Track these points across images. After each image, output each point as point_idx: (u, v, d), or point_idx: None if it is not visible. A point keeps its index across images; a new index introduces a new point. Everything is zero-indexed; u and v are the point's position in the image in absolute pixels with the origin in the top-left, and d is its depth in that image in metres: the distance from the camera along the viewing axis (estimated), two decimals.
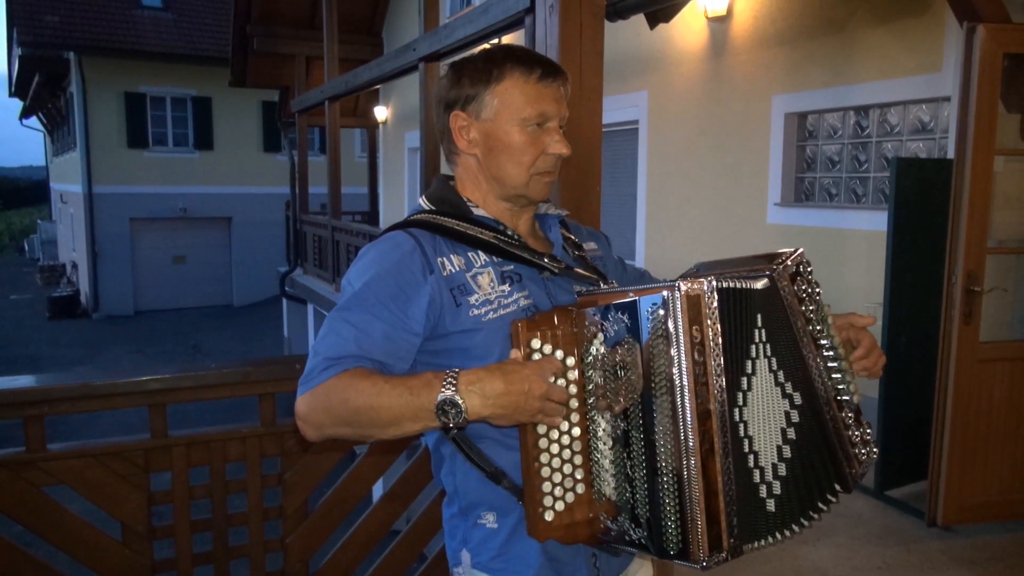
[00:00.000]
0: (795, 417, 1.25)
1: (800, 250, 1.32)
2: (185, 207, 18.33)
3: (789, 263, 1.28)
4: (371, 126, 13.69)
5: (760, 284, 1.23)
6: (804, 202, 5.80)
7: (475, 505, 1.32)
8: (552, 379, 1.17)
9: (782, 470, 1.22)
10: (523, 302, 1.30)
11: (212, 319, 17.67)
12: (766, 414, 1.22)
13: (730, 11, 6.06)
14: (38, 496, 2.00)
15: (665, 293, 1.12)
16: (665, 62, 6.83)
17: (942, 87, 4.56)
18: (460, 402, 1.11)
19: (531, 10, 2.64)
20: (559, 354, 1.20)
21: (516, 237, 1.35)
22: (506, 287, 1.30)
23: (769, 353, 1.23)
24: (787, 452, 1.23)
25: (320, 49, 8.77)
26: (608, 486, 1.21)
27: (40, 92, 19.80)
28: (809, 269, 1.30)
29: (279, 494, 2.28)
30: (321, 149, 16.74)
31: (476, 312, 1.26)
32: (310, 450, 2.26)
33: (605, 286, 1.37)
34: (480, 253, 1.31)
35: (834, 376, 1.29)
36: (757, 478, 1.20)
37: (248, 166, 18.80)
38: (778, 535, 1.22)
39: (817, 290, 1.30)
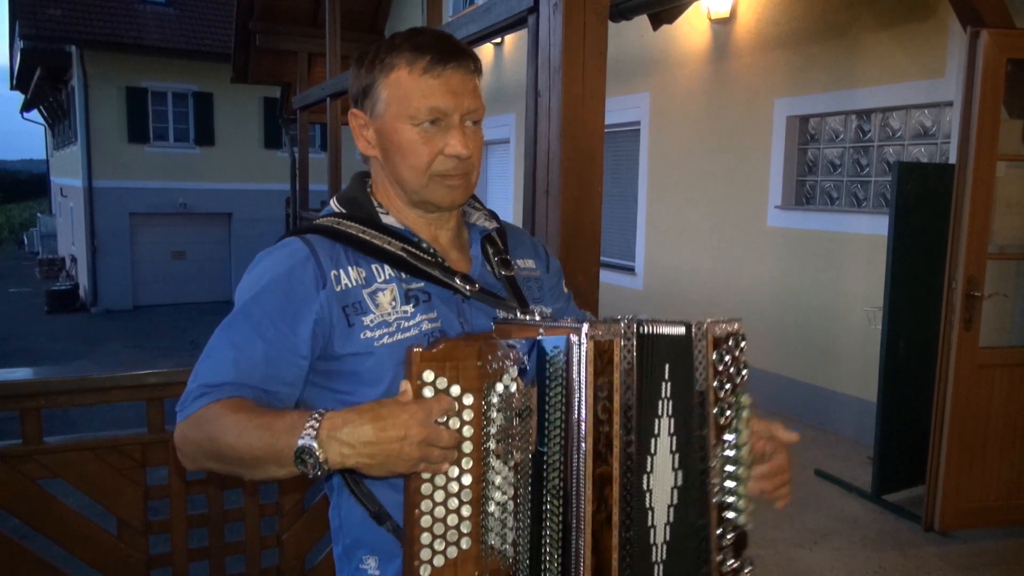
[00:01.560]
0: (675, 499, 1.07)
1: (739, 321, 1.14)
2: (185, 202, 18.31)
3: (720, 327, 1.11)
4: None
5: (676, 331, 1.07)
6: (805, 205, 5.79)
7: (357, 546, 1.19)
8: (443, 419, 0.99)
9: (664, 553, 1.07)
10: (426, 325, 1.15)
11: (211, 315, 17.62)
12: (663, 485, 1.06)
13: (733, 13, 6.06)
14: (34, 489, 1.99)
15: (571, 335, 0.98)
16: (667, 64, 6.83)
17: (945, 92, 4.55)
18: (318, 451, 0.95)
19: (535, 9, 2.63)
20: (455, 390, 1.01)
21: (431, 250, 1.20)
22: (409, 307, 1.15)
23: (670, 412, 1.06)
24: (668, 534, 1.07)
25: (322, 46, 8.76)
26: (498, 541, 1.06)
27: (41, 86, 19.77)
28: (741, 345, 1.11)
29: (275, 491, 2.27)
30: (322, 146, 16.72)
31: (369, 335, 1.12)
32: None
33: (524, 315, 1.16)
34: (385, 267, 1.16)
35: (726, 483, 1.10)
36: (654, 556, 1.06)
37: (249, 162, 18.78)
38: None
39: (743, 373, 1.11)
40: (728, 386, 1.11)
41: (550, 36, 2.45)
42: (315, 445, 0.95)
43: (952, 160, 3.59)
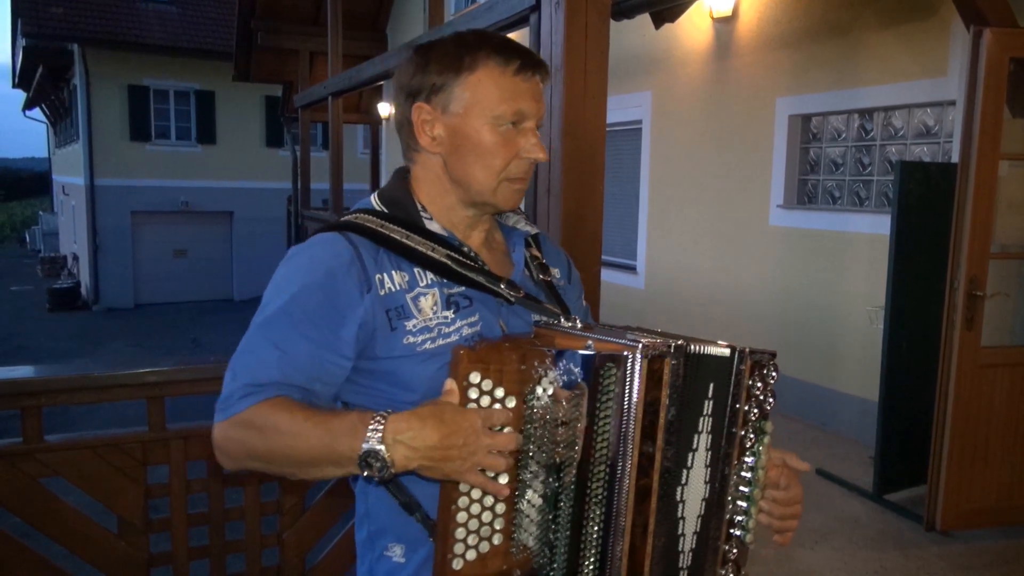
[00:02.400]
0: (702, 510, 1.11)
1: (774, 353, 1.16)
2: (187, 201, 18.32)
3: (759, 353, 1.14)
4: (374, 123, 13.67)
5: (721, 352, 1.10)
6: (807, 205, 5.78)
7: (383, 533, 1.19)
8: (497, 430, 1.03)
9: (689, 560, 1.10)
10: (466, 331, 1.15)
11: (212, 313, 17.66)
12: (695, 497, 1.10)
13: (735, 12, 6.05)
14: (34, 487, 2.00)
15: (626, 353, 1.00)
16: (669, 62, 6.82)
17: (947, 91, 4.54)
18: (385, 455, 0.97)
19: (536, 8, 2.63)
20: (500, 392, 1.05)
21: (473, 256, 1.20)
22: (450, 313, 1.15)
23: (709, 429, 1.10)
24: (695, 542, 1.11)
25: (324, 45, 8.76)
26: (530, 539, 1.09)
27: (43, 84, 19.78)
28: (774, 374, 1.15)
29: (276, 489, 2.27)
30: (323, 145, 16.70)
31: (411, 340, 1.12)
32: None
33: (567, 322, 1.18)
34: (427, 272, 1.16)
35: (739, 502, 1.14)
36: (681, 563, 1.10)
37: (250, 161, 18.79)
38: None
39: (770, 400, 1.14)
40: (756, 411, 1.14)
41: (552, 35, 2.44)
42: (382, 449, 0.97)
43: (954, 159, 3.58)
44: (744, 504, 1.14)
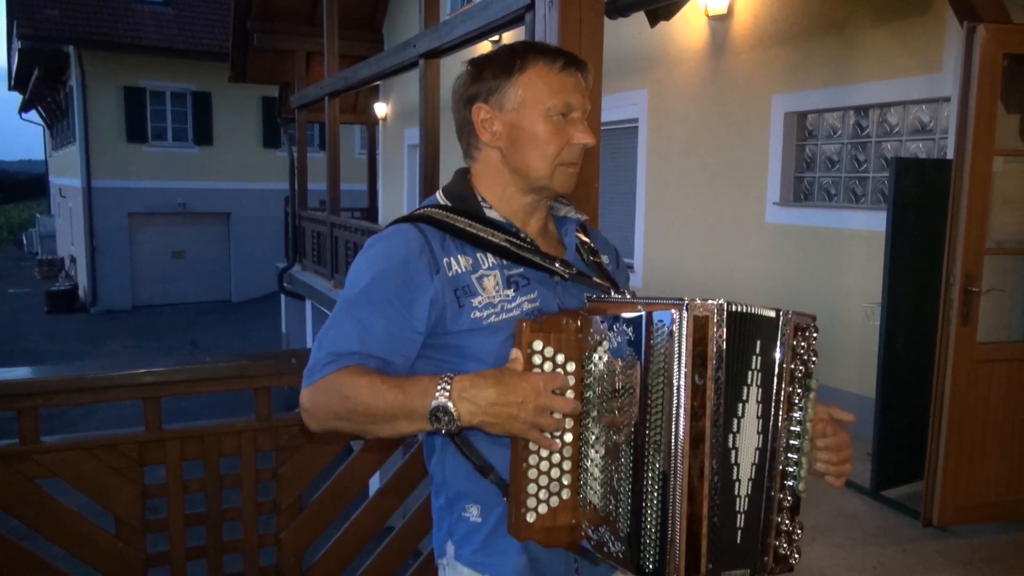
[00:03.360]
0: (757, 459, 1.21)
1: (815, 316, 1.29)
2: (184, 202, 18.32)
3: (800, 316, 1.25)
4: (371, 123, 13.68)
5: (768, 314, 1.20)
6: (803, 202, 5.79)
7: (461, 497, 1.32)
8: (553, 393, 1.16)
9: (746, 504, 1.19)
10: (527, 306, 1.29)
11: (210, 314, 17.66)
12: (748, 444, 1.19)
13: (731, 10, 6.06)
14: (31, 488, 1.99)
15: (673, 311, 1.10)
16: (665, 60, 6.82)
17: (942, 87, 4.55)
18: (452, 409, 1.12)
19: (531, 7, 2.64)
20: (560, 358, 1.19)
21: (529, 240, 1.33)
22: (511, 291, 1.29)
23: (759, 383, 1.20)
24: (750, 488, 1.20)
25: (320, 45, 8.75)
26: (594, 495, 1.20)
27: (39, 86, 19.76)
28: (815, 336, 1.26)
29: (273, 489, 2.27)
30: (320, 145, 16.71)
31: (478, 315, 1.26)
32: (305, 446, 2.26)
33: (616, 295, 1.33)
34: (489, 255, 1.30)
35: (790, 454, 1.23)
36: (737, 506, 1.18)
37: (247, 162, 18.79)
38: (741, 569, 1.18)
39: (813, 359, 1.25)
40: (802, 368, 1.24)
41: (546, 33, 2.45)
42: (449, 404, 1.12)
43: (950, 156, 3.59)
44: (795, 456, 1.23)
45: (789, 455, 1.23)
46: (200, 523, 2.21)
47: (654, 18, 6.10)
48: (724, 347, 1.13)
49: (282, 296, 13.49)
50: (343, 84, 7.57)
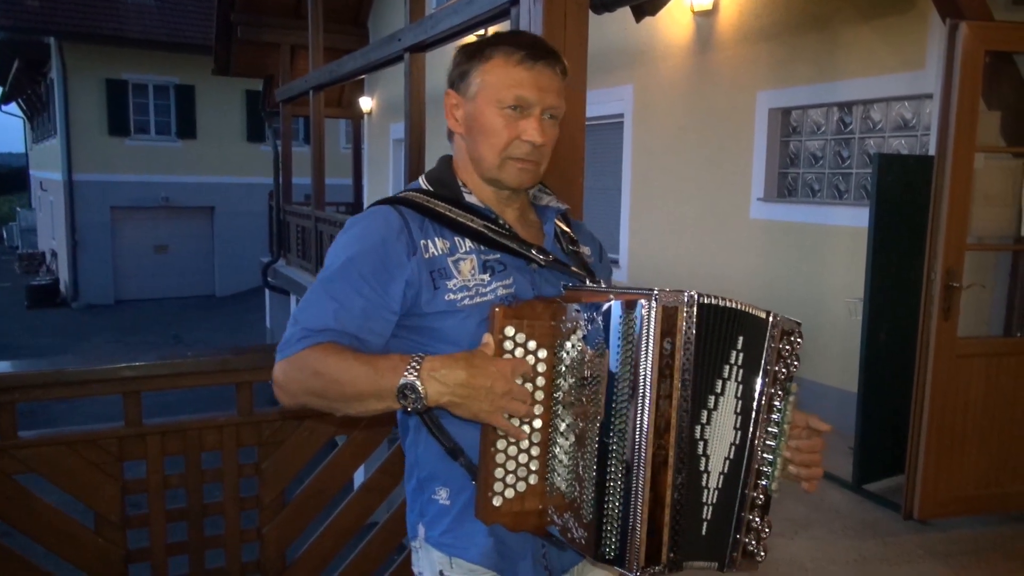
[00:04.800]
0: (732, 453, 1.22)
1: (800, 323, 1.29)
2: (167, 196, 18.16)
3: (788, 320, 1.26)
4: (356, 117, 13.62)
5: (756, 312, 1.22)
6: (787, 198, 5.82)
7: (431, 479, 1.34)
8: (519, 381, 1.18)
9: (715, 497, 1.20)
10: (501, 291, 1.29)
11: (194, 309, 17.54)
12: (721, 438, 1.20)
13: (716, 6, 6.07)
14: (9, 484, 1.97)
15: (643, 301, 1.10)
16: (650, 56, 6.83)
17: (925, 84, 4.58)
18: (420, 388, 1.13)
19: (516, 1, 2.63)
20: (532, 345, 1.20)
21: (506, 227, 1.34)
22: (486, 276, 1.29)
23: (739, 379, 1.21)
24: (721, 482, 1.21)
25: (305, 38, 8.70)
26: (561, 481, 1.21)
27: (20, 78, 19.53)
28: (799, 341, 1.27)
29: (256, 484, 2.26)
30: (305, 139, 16.62)
31: (452, 296, 1.27)
32: (287, 440, 2.25)
33: (592, 284, 1.34)
34: (466, 240, 1.31)
35: (766, 454, 1.25)
36: (704, 498, 1.19)
37: (231, 155, 18.65)
38: (707, 561, 1.20)
39: (796, 364, 1.26)
40: (784, 371, 1.25)
41: (530, 27, 2.44)
42: (417, 382, 1.13)
43: (932, 152, 3.62)
44: (770, 456, 1.25)
45: (765, 455, 1.24)
46: (181, 519, 2.19)
47: (639, 13, 6.10)
48: (694, 338, 1.13)
49: (267, 291, 13.41)
50: (328, 78, 7.53)
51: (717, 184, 6.21)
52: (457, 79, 1.35)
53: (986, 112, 3.61)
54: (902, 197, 3.86)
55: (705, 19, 6.20)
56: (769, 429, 1.24)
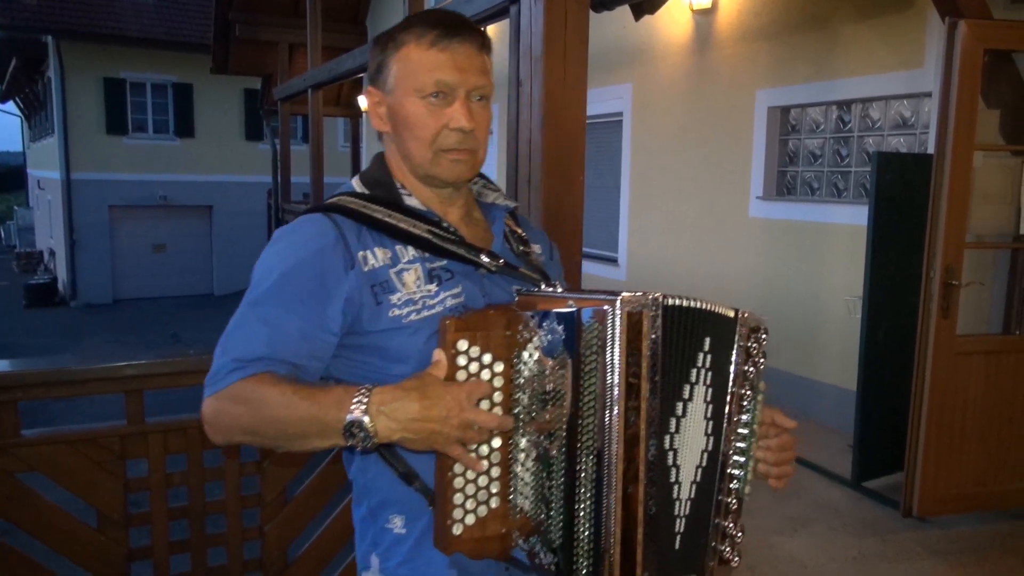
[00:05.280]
0: (704, 460, 1.16)
1: (766, 318, 1.25)
2: (165, 195, 18.12)
3: (754, 317, 1.22)
4: (354, 116, 13.60)
5: (725, 311, 1.17)
6: (786, 196, 5.83)
7: (384, 506, 1.22)
8: (478, 404, 1.07)
9: (687, 508, 1.15)
10: (450, 302, 1.18)
11: (192, 308, 17.52)
12: (692, 446, 1.14)
13: (715, 4, 6.07)
14: (11, 483, 1.97)
15: (606, 307, 1.04)
16: (650, 55, 6.83)
17: (924, 83, 4.59)
18: (369, 425, 1.02)
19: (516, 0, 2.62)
20: (487, 358, 1.09)
21: (452, 230, 1.23)
22: (432, 286, 1.18)
23: (708, 382, 1.15)
24: (693, 492, 1.15)
25: (303, 37, 8.69)
26: (525, 501, 1.13)
27: (17, 76, 19.47)
28: (765, 337, 1.22)
29: (257, 482, 2.26)
30: (304, 138, 16.58)
31: (397, 312, 1.15)
32: None
33: (547, 287, 1.23)
34: (409, 247, 1.19)
35: (737, 457, 1.20)
36: (676, 510, 1.14)
37: (230, 154, 18.61)
38: (683, 575, 1.15)
39: (762, 362, 1.21)
40: (752, 370, 1.20)
41: (531, 25, 2.44)
42: (366, 420, 1.02)
43: (931, 150, 3.62)
44: (741, 458, 1.20)
45: (736, 457, 1.20)
46: (183, 517, 2.20)
47: (639, 12, 6.11)
48: (660, 343, 1.07)
49: None
50: (327, 76, 7.52)
51: (716, 183, 6.21)
52: (375, 73, 1.24)
53: (985, 110, 3.62)
54: (901, 195, 3.87)
55: (704, 18, 6.20)
56: (740, 431, 1.20)
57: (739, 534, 1.21)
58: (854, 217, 4.99)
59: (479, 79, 1.20)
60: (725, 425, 1.18)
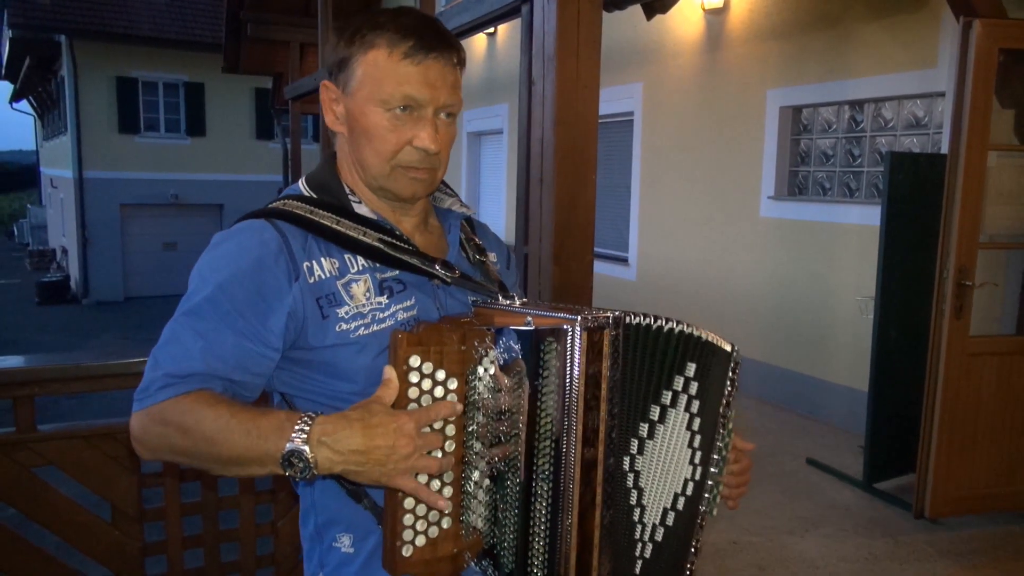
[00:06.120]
0: (689, 489, 1.16)
1: (734, 344, 1.23)
2: (176, 193, 18.21)
3: (735, 351, 1.21)
4: None
5: (718, 341, 1.16)
6: (797, 196, 5.81)
7: (331, 524, 1.16)
8: (427, 429, 1.01)
9: (660, 535, 1.13)
10: (401, 315, 1.12)
11: None
12: (665, 469, 1.12)
13: (727, 4, 6.06)
14: (27, 477, 1.99)
15: (565, 326, 1.00)
16: (661, 54, 6.82)
17: (937, 83, 4.57)
18: (309, 455, 0.95)
19: None
20: (440, 374, 1.03)
21: (405, 239, 1.16)
22: (383, 299, 1.12)
23: (694, 410, 1.13)
24: (670, 519, 1.14)
25: (314, 36, 8.71)
26: (478, 518, 1.08)
27: (31, 75, 19.61)
28: (738, 365, 1.22)
29: (270, 479, 2.27)
30: (314, 137, 16.63)
31: (344, 327, 1.09)
32: None
33: (505, 300, 1.16)
34: (359, 257, 1.13)
35: (709, 481, 1.21)
36: (637, 534, 1.12)
37: (240, 153, 18.68)
38: None
39: (736, 388, 1.22)
40: (730, 400, 1.21)
41: (544, 24, 2.44)
42: (306, 449, 0.94)
43: (944, 150, 3.61)
44: (711, 483, 1.22)
45: (709, 481, 1.20)
46: (197, 512, 2.21)
47: (650, 11, 6.09)
48: (621, 364, 1.04)
49: None
50: None
51: (727, 182, 6.20)
52: (335, 68, 1.15)
53: (999, 110, 3.60)
54: (914, 195, 3.85)
55: (716, 17, 6.19)
56: (714, 456, 1.20)
57: (698, 544, 1.23)
58: (866, 217, 4.97)
59: (450, 97, 1.13)
60: (704, 448, 1.17)
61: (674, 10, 6.18)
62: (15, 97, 23.41)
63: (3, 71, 21.34)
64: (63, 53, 16.82)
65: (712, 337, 1.14)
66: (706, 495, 1.21)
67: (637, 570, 1.11)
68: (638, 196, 7.29)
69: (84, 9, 16.66)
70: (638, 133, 7.22)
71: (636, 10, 6.02)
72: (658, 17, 6.25)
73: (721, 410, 1.19)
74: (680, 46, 6.60)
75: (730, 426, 1.21)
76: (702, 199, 6.47)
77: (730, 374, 1.19)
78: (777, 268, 5.75)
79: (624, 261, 7.50)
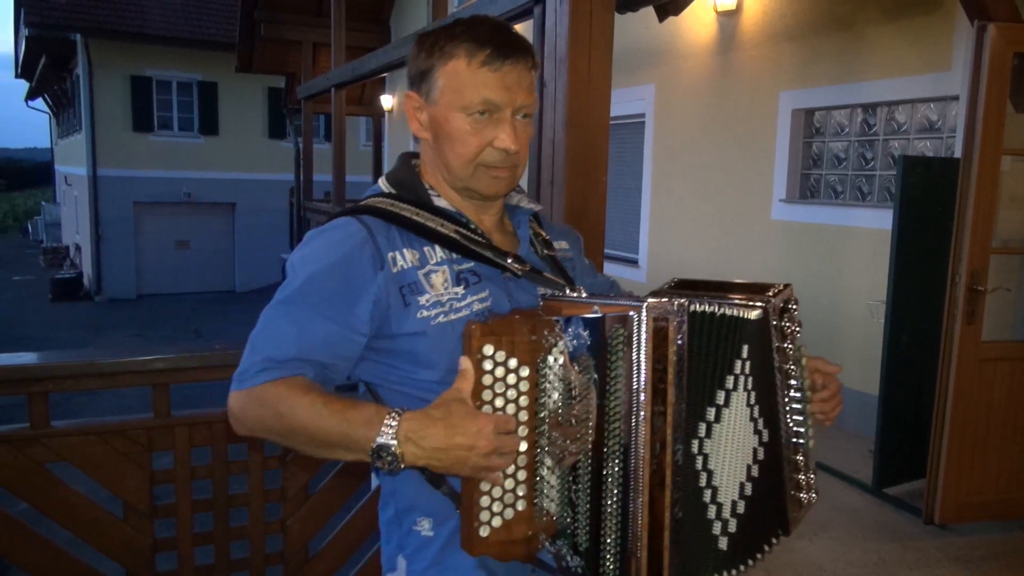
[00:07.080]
0: (761, 455, 1.20)
1: (790, 285, 1.27)
2: (189, 192, 18.31)
3: (781, 297, 1.23)
4: (376, 115, 13.67)
5: (754, 315, 1.17)
6: (809, 199, 5.79)
7: (411, 509, 1.23)
8: (505, 433, 1.08)
9: (741, 507, 1.17)
10: (477, 306, 1.19)
11: (214, 304, 17.68)
12: (734, 449, 1.16)
13: (739, 6, 6.04)
14: (40, 472, 2.01)
15: (631, 313, 1.04)
16: (673, 56, 6.81)
17: (951, 86, 4.54)
18: (397, 450, 1.03)
19: (540, 0, 2.63)
20: (513, 363, 1.10)
21: (480, 232, 1.25)
22: (460, 289, 1.19)
23: (749, 387, 1.17)
24: (748, 490, 1.18)
25: (327, 36, 8.75)
26: (551, 503, 1.14)
27: (46, 74, 19.76)
28: (795, 307, 1.25)
29: (280, 476, 2.29)
30: (326, 137, 16.68)
31: (425, 314, 1.16)
32: None
33: (572, 292, 1.22)
34: (437, 248, 1.20)
35: (795, 417, 1.25)
36: (712, 514, 1.15)
37: (253, 152, 18.77)
38: (725, 573, 1.16)
39: (797, 329, 1.24)
40: (791, 345, 1.23)
41: (556, 26, 2.45)
42: (394, 444, 1.03)
43: (957, 154, 3.59)
44: (800, 419, 1.25)
45: (795, 417, 1.25)
46: (207, 509, 2.23)
47: (663, 13, 6.09)
48: (687, 349, 1.08)
49: None
50: (350, 75, 7.56)
51: (738, 184, 6.19)
52: (417, 79, 1.23)
53: (1013, 114, 3.57)
54: (926, 199, 3.84)
55: (728, 19, 6.17)
56: (794, 406, 1.24)
57: (812, 476, 1.26)
58: (878, 221, 4.95)
59: (526, 98, 1.20)
60: (780, 414, 1.21)
61: (686, 12, 6.17)
62: (31, 95, 23.60)
63: (19, 70, 21.52)
64: (78, 52, 16.95)
65: (743, 311, 1.17)
66: (798, 439, 1.24)
67: (724, 546, 1.15)
68: (649, 197, 7.28)
69: (99, 8, 16.78)
70: (649, 135, 7.21)
71: (648, 12, 6.01)
72: (670, 19, 6.25)
73: (777, 364, 1.21)
74: (692, 48, 6.59)
75: (803, 362, 1.25)
76: (713, 201, 6.45)
77: (776, 342, 1.21)
78: (787, 271, 5.73)
79: (634, 262, 7.49)
